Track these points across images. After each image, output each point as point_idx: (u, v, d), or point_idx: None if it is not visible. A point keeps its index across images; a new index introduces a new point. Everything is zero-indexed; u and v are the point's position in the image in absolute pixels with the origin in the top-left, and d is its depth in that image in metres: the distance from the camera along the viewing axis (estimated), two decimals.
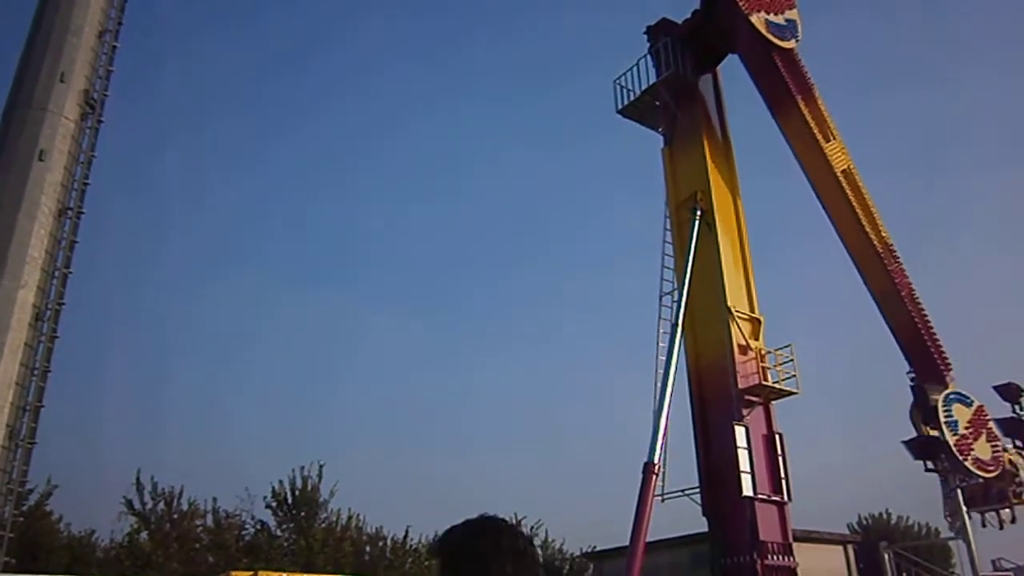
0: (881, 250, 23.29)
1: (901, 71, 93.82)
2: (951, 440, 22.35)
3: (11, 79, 20.23)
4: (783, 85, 23.07)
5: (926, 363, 23.71)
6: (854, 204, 23.17)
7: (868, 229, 23.22)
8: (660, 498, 19.08)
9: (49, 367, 18.39)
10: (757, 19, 22.58)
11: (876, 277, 23.59)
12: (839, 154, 23.36)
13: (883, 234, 23.51)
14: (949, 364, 23.76)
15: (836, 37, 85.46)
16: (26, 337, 17.86)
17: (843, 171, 23.25)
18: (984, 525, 23.55)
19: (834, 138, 23.40)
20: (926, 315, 23.72)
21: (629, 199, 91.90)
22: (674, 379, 19.05)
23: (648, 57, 24.54)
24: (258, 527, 32.33)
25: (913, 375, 24.19)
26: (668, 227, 23.01)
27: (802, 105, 23.00)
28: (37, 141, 19.10)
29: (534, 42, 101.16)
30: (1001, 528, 23.41)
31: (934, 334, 23.73)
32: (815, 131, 23.01)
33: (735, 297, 21.37)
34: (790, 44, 23.20)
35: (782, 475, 20.00)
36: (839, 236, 23.82)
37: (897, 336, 23.96)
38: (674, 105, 23.89)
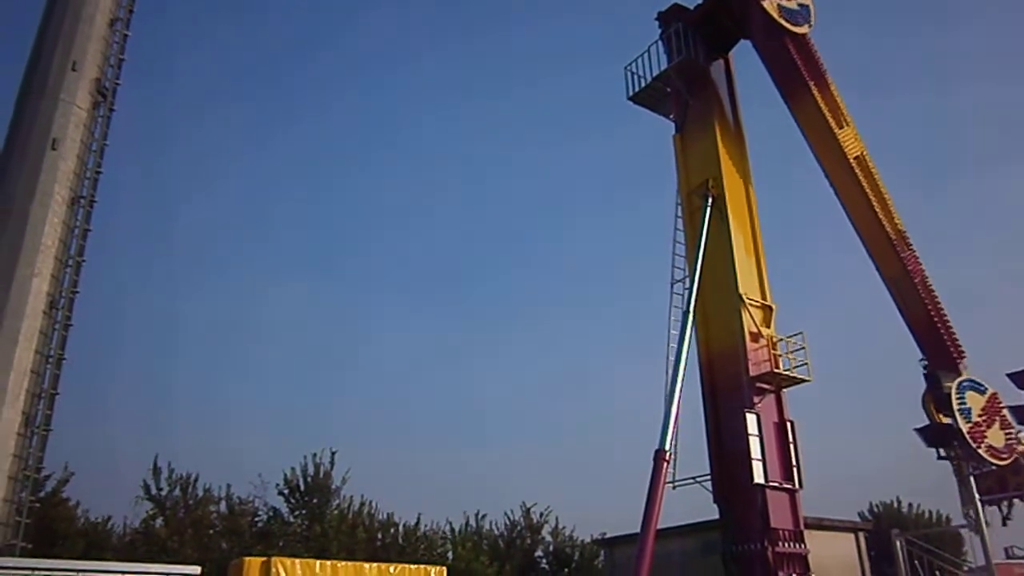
0: (895, 237, 23.10)
1: (902, 75, 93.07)
2: (964, 428, 22.23)
3: (23, 68, 20.31)
4: (796, 71, 22.80)
5: (939, 351, 23.51)
6: (867, 191, 22.95)
7: (881, 216, 23.01)
8: (671, 485, 19.11)
9: (64, 355, 18.53)
10: (770, 4, 22.35)
11: (889, 264, 23.40)
12: (852, 140, 23.11)
13: (896, 221, 23.31)
14: (963, 352, 23.59)
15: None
16: (40, 325, 18.00)
17: (856, 157, 23.02)
18: (1006, 520, 23.33)
19: (847, 124, 23.15)
20: (939, 302, 23.54)
21: (641, 187, 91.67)
22: (685, 366, 19.00)
23: (660, 43, 24.38)
24: (271, 513, 32.56)
25: (926, 363, 24.01)
26: (679, 214, 22.89)
27: (815, 92, 22.72)
28: (50, 130, 19.19)
29: (546, 33, 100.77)
30: (1004, 524, 23.16)
31: (947, 322, 23.55)
32: (828, 118, 22.76)
33: (747, 284, 21.26)
34: (803, 29, 22.95)
35: (793, 462, 19.93)
36: (851, 222, 23.61)
37: (910, 324, 23.78)
38: (686, 91, 23.72)
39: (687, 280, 21.22)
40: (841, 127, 22.97)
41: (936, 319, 23.33)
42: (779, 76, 23.41)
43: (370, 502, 34.69)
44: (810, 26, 23.17)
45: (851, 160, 22.86)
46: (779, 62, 23.19)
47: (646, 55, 24.51)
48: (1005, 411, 23.61)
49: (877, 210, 22.99)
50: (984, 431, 22.54)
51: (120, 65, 21.29)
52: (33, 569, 13.61)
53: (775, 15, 22.33)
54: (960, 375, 23.27)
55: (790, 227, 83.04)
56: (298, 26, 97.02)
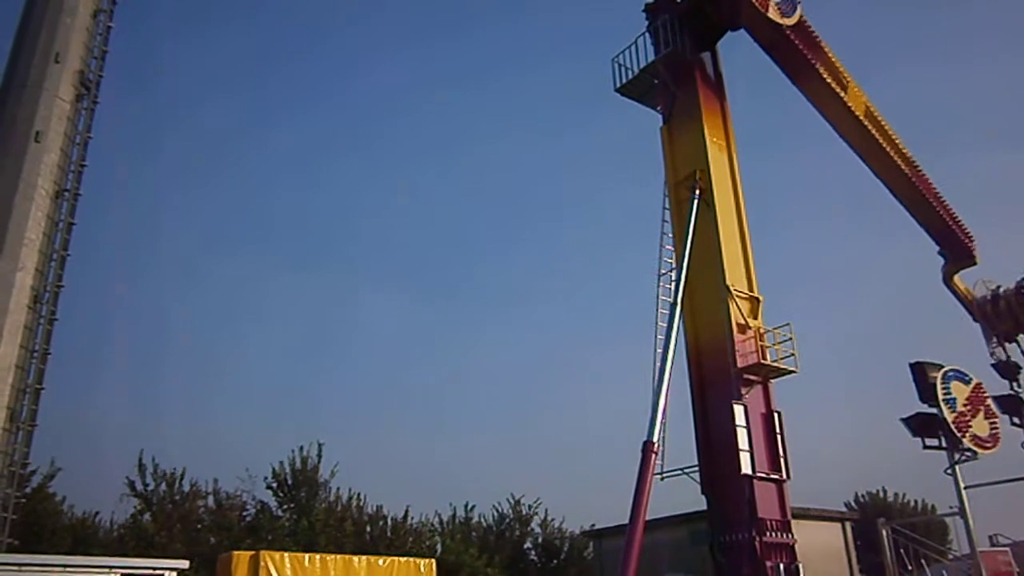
0: (906, 168, 25.74)
1: (897, 51, 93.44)
2: (949, 417, 22.41)
3: (6, 59, 20.09)
4: (800, 58, 23.67)
5: (954, 243, 27.48)
6: (878, 138, 25.10)
7: (892, 154, 25.41)
8: (659, 476, 19.15)
9: (49, 349, 18.39)
10: (773, 11, 22.46)
11: (903, 189, 26.36)
12: (856, 98, 24.81)
13: (905, 153, 25.77)
14: (971, 237, 27.39)
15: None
16: (25, 319, 17.85)
17: (864, 112, 24.84)
18: None
19: (849, 82, 24.58)
20: (950, 208, 26.89)
21: (628, 178, 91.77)
22: (673, 358, 19.04)
23: (647, 35, 24.34)
24: (259, 508, 32.49)
25: (942, 252, 27.94)
26: (667, 206, 22.89)
27: (820, 69, 23.84)
28: (33, 122, 18.98)
29: (533, 26, 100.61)
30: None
31: (958, 220, 27.12)
32: (833, 86, 24.09)
33: (734, 276, 21.30)
34: (798, 16, 23.12)
35: (780, 453, 20.01)
36: (866, 164, 26.03)
37: (929, 230, 27.42)
38: (673, 83, 23.70)
39: (674, 272, 21.23)
40: (845, 89, 24.37)
41: (950, 222, 26.91)
42: (784, 63, 24.26)
43: (358, 495, 34.74)
44: (799, 5, 23.39)
45: (860, 116, 24.71)
46: (784, 54, 23.92)
47: (633, 47, 24.51)
48: (989, 400, 23.82)
49: (888, 150, 25.35)
50: (969, 421, 22.73)
51: (104, 57, 21.06)
52: (21, 564, 13.50)
53: (777, 19, 22.61)
54: (974, 258, 27.60)
55: (779, 218, 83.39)
56: (293, 21, 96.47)
